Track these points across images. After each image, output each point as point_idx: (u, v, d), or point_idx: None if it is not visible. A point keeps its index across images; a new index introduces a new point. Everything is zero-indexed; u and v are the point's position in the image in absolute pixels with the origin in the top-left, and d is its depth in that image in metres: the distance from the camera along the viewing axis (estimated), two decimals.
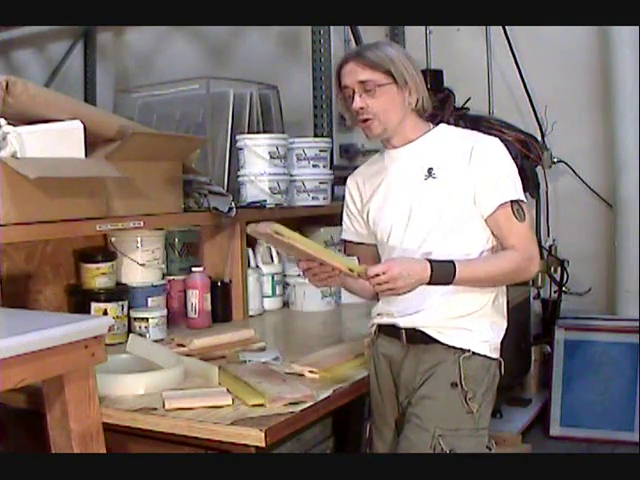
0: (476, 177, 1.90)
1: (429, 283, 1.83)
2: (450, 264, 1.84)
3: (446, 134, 2.01)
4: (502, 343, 1.99)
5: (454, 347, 1.90)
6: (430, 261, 1.83)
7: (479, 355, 1.92)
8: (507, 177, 1.92)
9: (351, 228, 2.15)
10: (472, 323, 1.92)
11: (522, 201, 1.93)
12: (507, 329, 2.01)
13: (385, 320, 2.01)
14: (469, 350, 1.91)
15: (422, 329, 1.93)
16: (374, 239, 2.07)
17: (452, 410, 1.89)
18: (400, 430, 1.98)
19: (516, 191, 1.92)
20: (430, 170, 1.94)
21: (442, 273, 1.83)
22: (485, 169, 1.90)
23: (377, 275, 1.79)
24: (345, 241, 2.20)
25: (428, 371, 1.92)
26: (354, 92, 1.93)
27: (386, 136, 1.98)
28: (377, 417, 2.07)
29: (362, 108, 1.93)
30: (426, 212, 1.93)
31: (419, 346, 1.94)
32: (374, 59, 1.92)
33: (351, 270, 1.82)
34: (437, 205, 1.92)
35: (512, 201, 1.91)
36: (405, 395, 1.97)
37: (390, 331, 2.00)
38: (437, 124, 2.04)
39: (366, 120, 1.94)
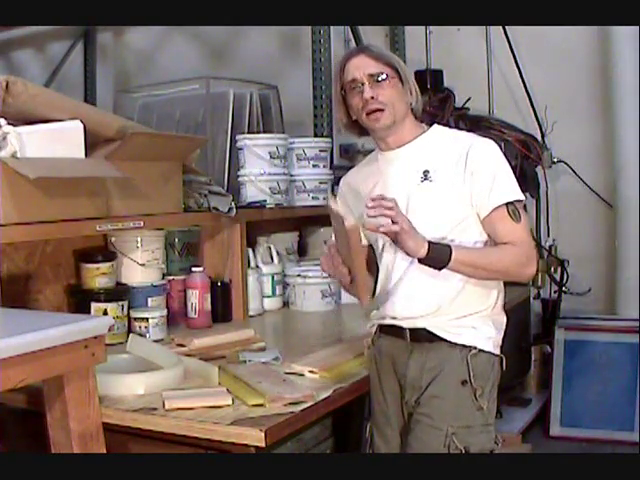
0: (472, 180, 1.89)
1: (422, 260, 1.82)
2: (446, 247, 1.84)
3: (440, 136, 2.01)
4: (502, 340, 2.00)
5: (460, 345, 1.90)
6: (429, 241, 1.83)
7: (484, 352, 1.93)
8: (503, 179, 1.92)
9: None
10: (477, 322, 1.93)
11: (518, 201, 1.93)
12: (506, 326, 2.02)
13: (388, 321, 2.01)
14: (475, 347, 1.91)
15: (427, 328, 1.93)
16: (368, 241, 2.05)
17: (463, 408, 1.90)
18: (404, 430, 1.98)
19: (512, 192, 1.92)
20: (426, 173, 1.94)
21: (439, 252, 1.82)
22: (481, 172, 1.90)
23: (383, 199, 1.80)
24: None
25: (434, 369, 1.92)
26: (362, 84, 1.92)
27: (392, 130, 1.96)
28: (379, 417, 2.06)
29: (373, 98, 1.92)
30: (423, 215, 1.91)
31: (424, 344, 1.94)
32: (383, 54, 1.97)
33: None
34: (434, 208, 1.91)
35: (507, 203, 1.91)
36: (411, 394, 1.96)
37: (393, 331, 2.00)
38: (431, 124, 2.04)
39: (375, 111, 1.92)
